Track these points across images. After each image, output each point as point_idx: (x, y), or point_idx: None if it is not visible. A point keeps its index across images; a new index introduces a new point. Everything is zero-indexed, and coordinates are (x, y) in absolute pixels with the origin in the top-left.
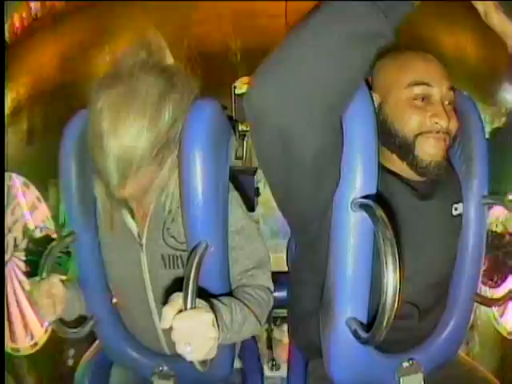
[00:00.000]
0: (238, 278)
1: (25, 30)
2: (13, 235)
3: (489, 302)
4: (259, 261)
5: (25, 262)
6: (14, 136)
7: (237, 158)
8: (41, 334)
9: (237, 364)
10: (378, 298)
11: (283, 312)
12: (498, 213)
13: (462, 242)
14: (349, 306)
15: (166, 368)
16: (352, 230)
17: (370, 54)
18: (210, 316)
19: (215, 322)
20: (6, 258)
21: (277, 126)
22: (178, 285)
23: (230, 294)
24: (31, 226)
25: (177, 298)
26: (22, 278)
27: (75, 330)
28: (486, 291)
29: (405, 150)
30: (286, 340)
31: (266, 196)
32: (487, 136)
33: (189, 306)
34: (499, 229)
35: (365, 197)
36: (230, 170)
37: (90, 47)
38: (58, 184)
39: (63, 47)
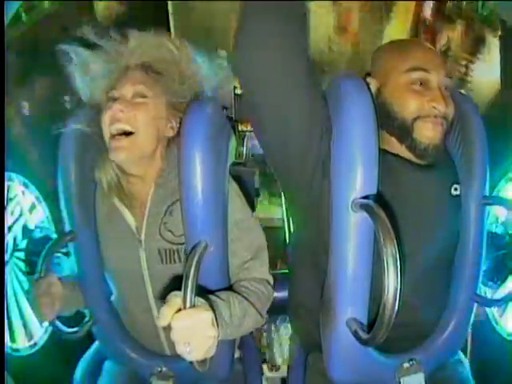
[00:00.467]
0: (236, 271)
1: None
2: (13, 235)
3: (489, 303)
4: (256, 251)
5: (25, 261)
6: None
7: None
8: (41, 334)
9: (236, 364)
10: (379, 298)
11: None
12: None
13: (463, 243)
14: (349, 307)
15: (164, 369)
16: (352, 231)
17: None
18: (209, 315)
19: (214, 320)
20: (6, 258)
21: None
22: (176, 281)
23: (228, 289)
24: (31, 226)
25: (174, 298)
26: (22, 278)
27: (74, 330)
28: (486, 292)
29: (403, 132)
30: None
31: None
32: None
33: (188, 305)
34: (499, 230)
35: (365, 197)
36: (230, 171)
37: None
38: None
39: None
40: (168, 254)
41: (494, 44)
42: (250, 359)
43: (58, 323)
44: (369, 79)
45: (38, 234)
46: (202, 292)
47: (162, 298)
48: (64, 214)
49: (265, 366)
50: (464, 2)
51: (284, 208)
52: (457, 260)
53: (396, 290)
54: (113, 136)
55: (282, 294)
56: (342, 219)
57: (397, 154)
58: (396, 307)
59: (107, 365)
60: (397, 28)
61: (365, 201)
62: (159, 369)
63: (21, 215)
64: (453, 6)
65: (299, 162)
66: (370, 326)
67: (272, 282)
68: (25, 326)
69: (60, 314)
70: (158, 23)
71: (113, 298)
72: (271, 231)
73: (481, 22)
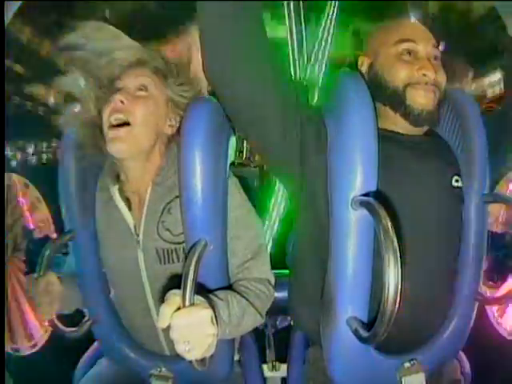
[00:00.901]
0: (236, 271)
1: None
2: (13, 235)
3: (490, 301)
4: (257, 249)
5: (25, 262)
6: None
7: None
8: (41, 334)
9: (236, 366)
10: (379, 296)
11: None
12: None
13: (464, 242)
14: (349, 305)
15: (164, 369)
16: (352, 228)
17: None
18: (208, 312)
19: (214, 318)
20: (6, 257)
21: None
22: (175, 281)
23: (228, 288)
24: (31, 226)
25: (173, 296)
26: (22, 278)
27: (73, 329)
28: (486, 292)
29: (396, 100)
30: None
31: None
32: None
33: (187, 303)
34: (499, 229)
35: (365, 194)
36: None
37: None
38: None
39: None
40: (166, 253)
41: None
42: (250, 359)
43: (58, 322)
44: (361, 58)
45: (37, 234)
46: (201, 291)
47: (161, 298)
48: (64, 213)
49: (265, 366)
50: None
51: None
52: (458, 259)
53: (396, 287)
54: (110, 127)
55: (282, 294)
56: (341, 217)
57: (393, 130)
58: (397, 305)
59: (103, 362)
60: None
61: (365, 198)
62: (158, 369)
63: (21, 215)
64: None
65: (281, 156)
66: (371, 324)
67: (273, 281)
68: (25, 326)
69: (59, 312)
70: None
71: (112, 296)
72: None
73: None
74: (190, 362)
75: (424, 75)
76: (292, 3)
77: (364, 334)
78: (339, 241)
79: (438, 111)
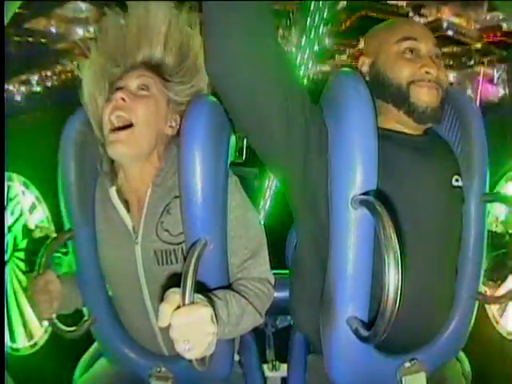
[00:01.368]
0: (236, 271)
1: None
2: (13, 235)
3: (490, 301)
4: (256, 249)
5: (25, 261)
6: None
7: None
8: (41, 334)
9: (236, 364)
10: (380, 296)
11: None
12: (497, 213)
13: (463, 241)
14: (349, 305)
15: (163, 369)
16: (352, 228)
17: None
18: (208, 311)
19: (214, 316)
20: (6, 257)
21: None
22: (173, 282)
23: (227, 288)
24: (31, 226)
25: (173, 295)
26: (22, 278)
27: (73, 329)
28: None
29: (400, 97)
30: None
31: None
32: None
33: (187, 301)
34: (499, 229)
35: (365, 193)
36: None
37: None
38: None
39: None
40: (164, 255)
41: None
42: (250, 359)
43: (57, 322)
44: (362, 58)
45: (37, 234)
46: (201, 290)
47: (159, 300)
48: (64, 213)
49: (265, 366)
50: None
51: None
52: (458, 259)
53: (397, 286)
54: (111, 130)
55: (282, 294)
56: (341, 216)
57: (395, 130)
58: (397, 304)
59: (102, 363)
60: None
61: (365, 197)
62: (158, 369)
63: (21, 215)
64: None
65: (284, 156)
66: (371, 324)
67: (273, 281)
68: (25, 325)
69: (59, 312)
70: None
71: (110, 295)
72: None
73: None
74: (190, 361)
75: (427, 73)
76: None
77: (364, 333)
78: (339, 240)
79: (441, 109)
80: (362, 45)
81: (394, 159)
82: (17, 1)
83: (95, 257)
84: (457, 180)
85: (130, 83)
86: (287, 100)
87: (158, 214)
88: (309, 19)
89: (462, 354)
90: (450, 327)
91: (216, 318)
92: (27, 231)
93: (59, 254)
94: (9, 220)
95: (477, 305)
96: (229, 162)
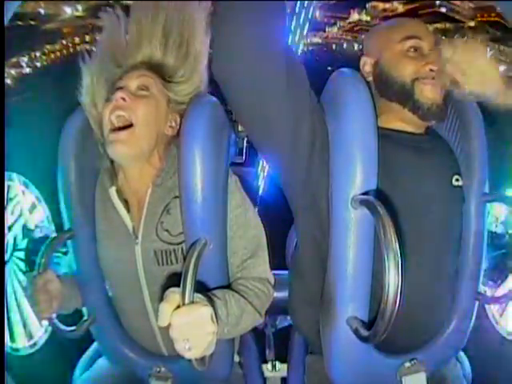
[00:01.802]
0: (235, 270)
1: None
2: (13, 235)
3: (490, 301)
4: (256, 249)
5: (25, 261)
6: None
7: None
8: (41, 334)
9: (236, 365)
10: (380, 296)
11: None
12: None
13: (463, 241)
14: (349, 305)
15: (163, 369)
16: (352, 227)
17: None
18: (208, 310)
19: (214, 315)
20: (6, 257)
21: (245, 78)
22: (173, 283)
23: (227, 287)
24: (31, 226)
25: (172, 294)
26: (22, 277)
27: (72, 329)
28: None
29: (404, 95)
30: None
31: None
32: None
33: (187, 301)
34: (499, 229)
35: (365, 193)
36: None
37: None
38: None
39: None
40: (164, 255)
41: None
42: (250, 359)
43: (57, 321)
44: (364, 58)
45: (37, 234)
46: (201, 290)
47: (159, 300)
48: (63, 213)
49: (265, 366)
50: None
51: None
52: (458, 259)
53: (397, 286)
54: (111, 130)
55: (282, 294)
56: (341, 216)
57: (397, 129)
58: (397, 304)
59: (102, 363)
60: None
61: (365, 197)
62: (158, 369)
63: (21, 215)
64: None
65: (289, 152)
66: (371, 324)
67: (272, 281)
68: (25, 325)
69: (58, 311)
70: None
71: (110, 295)
72: None
73: None
74: (190, 361)
75: (431, 70)
76: None
77: (364, 333)
78: (339, 240)
79: (445, 106)
80: (364, 44)
81: (394, 159)
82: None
83: (95, 257)
84: (457, 180)
85: (130, 83)
86: (295, 100)
87: (157, 214)
88: None
89: (461, 354)
90: (450, 327)
91: (216, 318)
92: (27, 231)
93: (59, 254)
94: (9, 220)
95: (477, 305)
96: (229, 161)
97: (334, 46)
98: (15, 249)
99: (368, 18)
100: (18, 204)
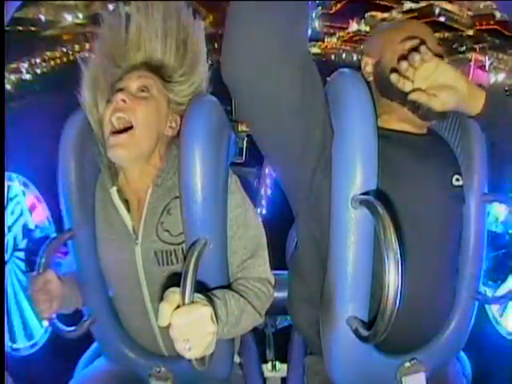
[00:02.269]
0: (235, 270)
1: None
2: (13, 235)
3: (490, 301)
4: (256, 248)
5: (25, 261)
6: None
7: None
8: (41, 334)
9: (236, 365)
10: (380, 296)
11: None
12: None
13: (463, 241)
14: (349, 305)
15: (163, 369)
16: (352, 228)
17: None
18: (208, 310)
19: (214, 315)
20: (6, 257)
21: (257, 86)
22: (173, 283)
23: (227, 287)
24: (31, 226)
25: (172, 294)
26: (22, 277)
27: (72, 329)
28: (486, 291)
29: (404, 94)
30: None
31: None
32: None
33: (187, 301)
34: (499, 229)
35: (365, 193)
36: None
37: None
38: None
39: None
40: (165, 255)
41: None
42: (250, 359)
43: (57, 321)
44: (365, 58)
45: (38, 234)
46: (200, 290)
47: (159, 300)
48: (64, 213)
49: (265, 366)
50: None
51: None
52: (458, 259)
53: (396, 286)
54: (112, 132)
55: (282, 294)
56: (341, 216)
57: (397, 130)
58: (397, 304)
59: (101, 362)
60: None
61: (365, 197)
62: (158, 369)
63: (21, 215)
64: None
65: (298, 161)
66: (371, 323)
67: (273, 281)
68: (25, 325)
69: (59, 311)
70: None
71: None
72: None
73: None
74: (190, 361)
75: None
76: None
77: (364, 333)
78: (339, 240)
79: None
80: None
81: (394, 159)
82: (17, 0)
83: (95, 257)
84: (457, 179)
85: (131, 84)
86: (310, 111)
87: (158, 215)
88: None
89: (462, 354)
90: (450, 327)
91: (216, 318)
92: (27, 231)
93: (59, 254)
94: (9, 220)
95: (477, 305)
96: (229, 161)
97: (333, 57)
98: (15, 249)
99: (367, 28)
100: (18, 204)
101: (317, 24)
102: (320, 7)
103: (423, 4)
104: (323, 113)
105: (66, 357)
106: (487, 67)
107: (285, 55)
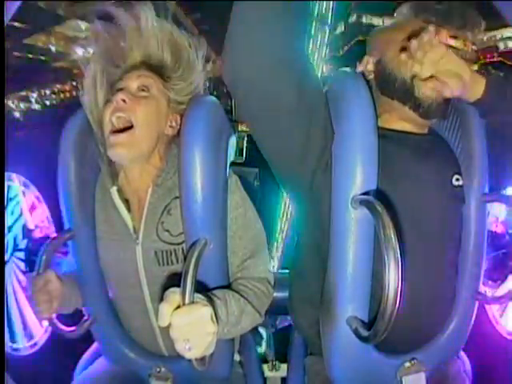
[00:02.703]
0: (235, 270)
1: None
2: (13, 235)
3: (490, 301)
4: (256, 248)
5: (25, 261)
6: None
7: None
8: (41, 334)
9: (236, 364)
10: (380, 296)
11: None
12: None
13: (463, 241)
14: (349, 305)
15: (163, 369)
16: (352, 228)
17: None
18: (208, 310)
19: (214, 315)
20: (6, 257)
21: (256, 87)
22: (173, 283)
23: (227, 287)
24: (31, 226)
25: (172, 294)
26: (22, 277)
27: (72, 329)
28: (486, 292)
29: (405, 92)
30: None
31: None
32: None
33: (187, 301)
34: (499, 229)
35: (365, 193)
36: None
37: None
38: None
39: None
40: (165, 255)
41: None
42: (250, 359)
43: (57, 321)
44: (366, 57)
45: (37, 234)
46: (200, 290)
47: (159, 300)
48: (64, 213)
49: (265, 366)
50: None
51: None
52: (458, 259)
53: (396, 286)
54: (112, 132)
55: (282, 294)
56: (341, 216)
57: (397, 130)
58: (397, 304)
59: (101, 362)
60: None
61: (365, 197)
62: (158, 369)
63: (21, 215)
64: None
65: (298, 162)
66: (371, 324)
67: (272, 280)
68: (25, 325)
69: (59, 312)
70: None
71: (110, 295)
72: None
73: None
74: (190, 361)
75: None
76: None
77: (364, 333)
78: (339, 240)
79: (446, 104)
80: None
81: (394, 159)
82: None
83: (95, 257)
84: (457, 179)
85: (131, 84)
86: (309, 112)
87: (158, 215)
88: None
89: (462, 354)
90: (450, 327)
91: (216, 318)
92: (27, 231)
93: (59, 254)
94: (9, 220)
95: (477, 305)
96: (229, 161)
97: None
98: (15, 249)
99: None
100: (17, 204)
101: (324, 68)
102: (328, 49)
103: None
104: (323, 113)
105: (66, 357)
106: None
107: (285, 56)
